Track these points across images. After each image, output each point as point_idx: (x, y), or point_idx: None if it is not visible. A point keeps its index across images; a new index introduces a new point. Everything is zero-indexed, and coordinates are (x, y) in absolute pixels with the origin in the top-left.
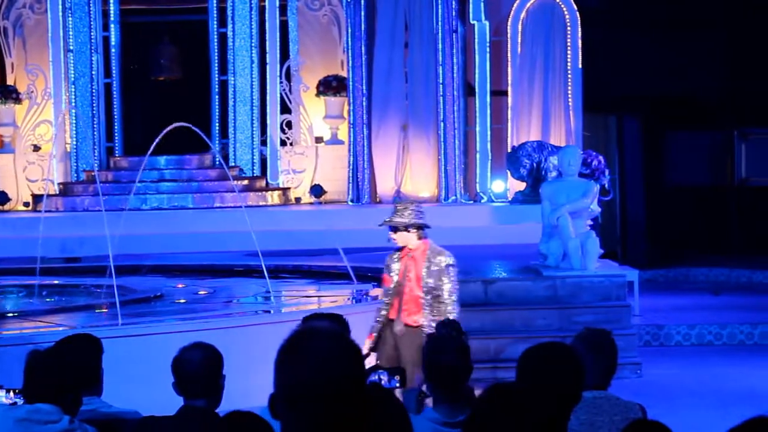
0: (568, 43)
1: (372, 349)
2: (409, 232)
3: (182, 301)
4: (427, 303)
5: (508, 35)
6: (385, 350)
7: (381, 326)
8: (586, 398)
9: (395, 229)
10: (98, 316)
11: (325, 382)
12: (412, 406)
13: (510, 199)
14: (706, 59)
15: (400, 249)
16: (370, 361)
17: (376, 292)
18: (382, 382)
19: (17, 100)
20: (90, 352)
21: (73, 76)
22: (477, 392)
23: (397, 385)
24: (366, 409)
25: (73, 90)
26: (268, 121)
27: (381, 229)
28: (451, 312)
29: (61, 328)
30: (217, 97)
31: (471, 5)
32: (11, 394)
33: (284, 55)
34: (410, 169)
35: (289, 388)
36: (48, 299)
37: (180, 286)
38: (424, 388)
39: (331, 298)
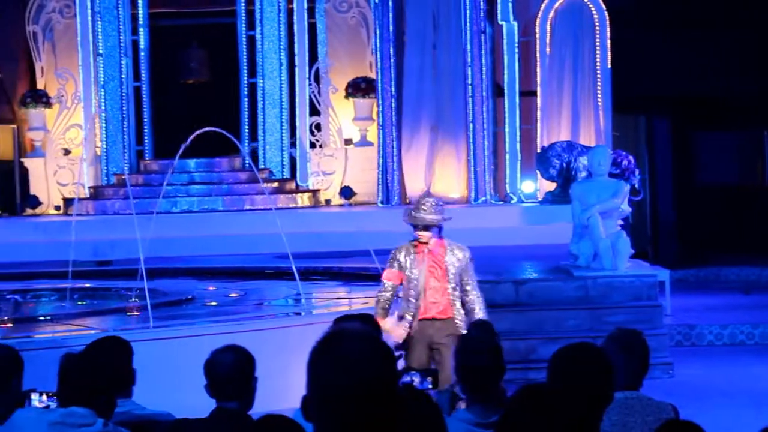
0: (597, 43)
1: (401, 348)
2: (434, 228)
3: (213, 303)
4: (456, 297)
5: (537, 35)
6: (416, 352)
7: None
8: (618, 399)
9: (426, 226)
10: (130, 319)
11: (357, 384)
12: (445, 406)
13: (540, 199)
14: (736, 59)
15: (414, 244)
16: (401, 363)
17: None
18: (414, 383)
19: (47, 104)
20: (121, 355)
21: (102, 79)
22: (509, 393)
23: (430, 386)
24: (399, 410)
25: (102, 93)
26: (297, 124)
27: (410, 231)
28: (481, 304)
29: (93, 332)
30: (246, 99)
31: (499, 6)
32: (45, 397)
33: (313, 57)
34: (440, 171)
35: (322, 390)
36: (80, 302)
37: (211, 288)
38: (456, 389)
39: (362, 300)
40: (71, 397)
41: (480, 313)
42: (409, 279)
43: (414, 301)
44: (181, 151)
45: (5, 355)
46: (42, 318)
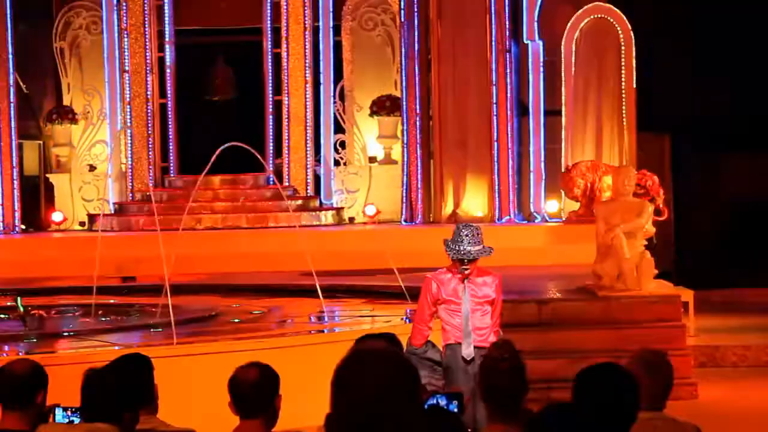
0: (622, 63)
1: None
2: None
3: (237, 320)
4: (492, 321)
5: (562, 55)
6: (457, 377)
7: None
8: (641, 419)
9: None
10: (154, 335)
11: (381, 403)
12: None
13: (564, 219)
14: (762, 78)
15: (458, 271)
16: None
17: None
18: (440, 405)
19: (73, 120)
20: (144, 371)
21: (128, 96)
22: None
23: (456, 410)
24: (421, 428)
25: (128, 110)
26: (322, 141)
27: (434, 249)
28: (498, 324)
29: (116, 348)
30: (271, 117)
31: (525, 25)
32: (69, 412)
33: (338, 75)
34: (466, 189)
35: (346, 408)
36: (104, 318)
37: (234, 305)
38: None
39: (385, 318)
40: (95, 413)
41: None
42: (449, 307)
43: (453, 328)
44: (208, 167)
45: (30, 370)
46: (66, 333)
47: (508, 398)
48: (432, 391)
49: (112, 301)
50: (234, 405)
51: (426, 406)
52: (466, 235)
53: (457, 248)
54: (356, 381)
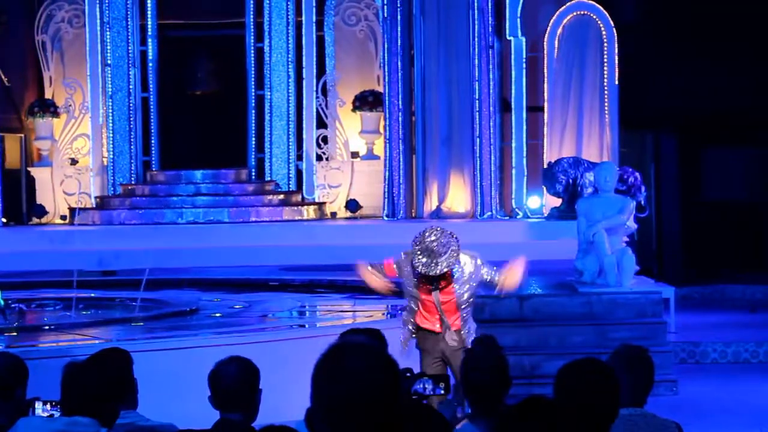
0: (605, 59)
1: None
2: None
3: (217, 315)
4: (468, 313)
5: (545, 51)
6: (431, 360)
7: (413, 334)
8: (622, 415)
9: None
10: (134, 329)
11: (362, 397)
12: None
13: (546, 215)
14: (745, 75)
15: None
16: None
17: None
18: (427, 390)
19: (55, 113)
20: (123, 364)
21: (110, 90)
22: None
23: (442, 392)
24: (402, 422)
25: (110, 104)
26: (304, 136)
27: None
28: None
29: (97, 341)
30: (253, 111)
31: (507, 21)
32: (48, 406)
33: (321, 70)
34: (448, 185)
35: (327, 402)
36: (84, 312)
37: (215, 300)
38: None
39: (367, 313)
40: (75, 407)
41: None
42: (407, 290)
43: (413, 314)
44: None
45: (10, 364)
46: (46, 327)
47: (489, 393)
48: (418, 375)
49: (92, 294)
50: (214, 399)
51: (412, 390)
52: (430, 243)
53: (422, 264)
54: (336, 375)
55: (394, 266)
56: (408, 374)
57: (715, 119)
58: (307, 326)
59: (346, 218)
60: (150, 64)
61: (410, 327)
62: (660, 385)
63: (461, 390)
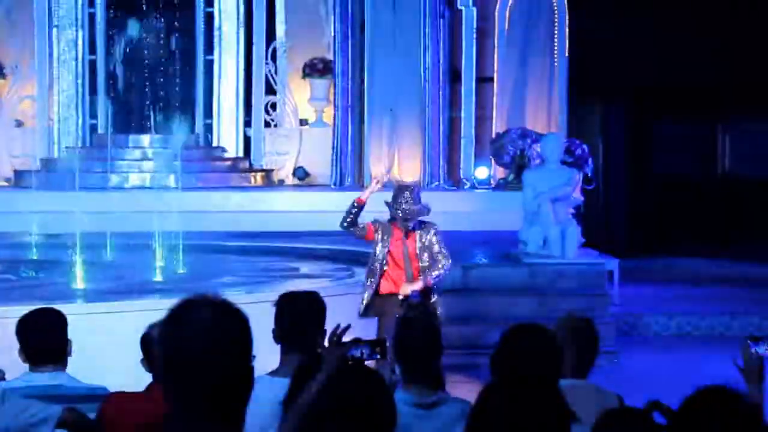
0: (555, 31)
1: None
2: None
3: (158, 279)
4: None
5: (496, 21)
6: (391, 322)
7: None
8: (564, 386)
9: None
10: (69, 292)
11: (208, 351)
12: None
13: (493, 185)
14: (694, 49)
15: (393, 225)
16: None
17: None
18: (363, 355)
19: (1, 75)
20: (55, 325)
21: (57, 52)
22: (449, 376)
23: (378, 357)
24: (251, 380)
25: (57, 66)
26: (253, 103)
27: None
28: (441, 270)
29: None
30: (202, 76)
31: None
32: None
33: (270, 35)
34: (397, 154)
35: (174, 354)
36: (23, 274)
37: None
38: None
39: (310, 279)
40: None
41: (436, 271)
42: (375, 255)
43: (377, 277)
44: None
45: None
46: None
47: (420, 359)
48: (354, 340)
49: (34, 257)
50: (146, 362)
51: (349, 355)
52: (406, 196)
53: (397, 207)
54: (183, 329)
55: (374, 226)
56: (342, 340)
57: (665, 93)
58: (244, 292)
59: (294, 185)
60: (98, 27)
61: (370, 292)
62: (601, 357)
63: (393, 355)
